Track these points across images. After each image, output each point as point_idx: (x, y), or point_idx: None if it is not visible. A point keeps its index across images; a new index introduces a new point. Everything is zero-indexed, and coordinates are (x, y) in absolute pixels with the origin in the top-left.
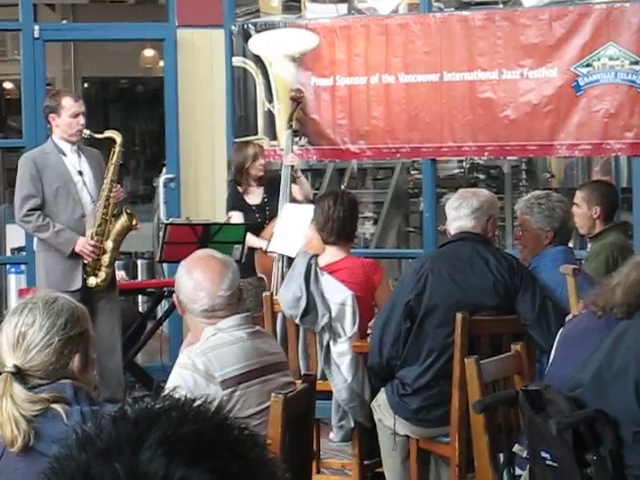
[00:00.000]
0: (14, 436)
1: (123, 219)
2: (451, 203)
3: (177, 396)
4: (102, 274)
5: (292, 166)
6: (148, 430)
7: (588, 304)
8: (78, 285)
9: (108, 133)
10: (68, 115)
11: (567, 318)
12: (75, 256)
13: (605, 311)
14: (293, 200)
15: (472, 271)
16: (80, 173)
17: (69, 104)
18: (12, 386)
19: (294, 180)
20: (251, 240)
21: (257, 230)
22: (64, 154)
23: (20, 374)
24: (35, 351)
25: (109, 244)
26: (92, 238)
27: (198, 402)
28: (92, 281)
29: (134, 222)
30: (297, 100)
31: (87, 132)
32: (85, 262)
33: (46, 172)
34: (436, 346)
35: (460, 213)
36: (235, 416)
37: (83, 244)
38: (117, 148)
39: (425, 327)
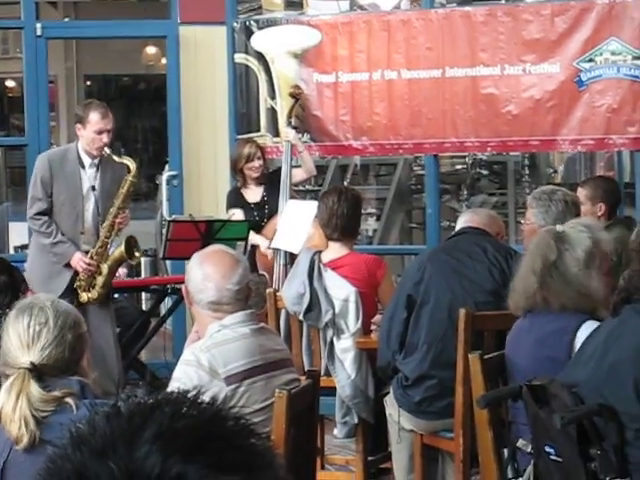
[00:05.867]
0: (20, 434)
1: (121, 248)
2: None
3: (170, 389)
4: (95, 293)
5: (291, 144)
6: (142, 426)
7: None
8: (60, 291)
9: (125, 160)
10: (92, 130)
11: None
12: (69, 265)
13: (514, 310)
14: (295, 193)
15: (470, 258)
16: (93, 188)
17: (95, 119)
18: (29, 384)
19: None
20: (251, 238)
21: (256, 228)
22: (83, 166)
23: (36, 371)
24: (51, 348)
25: (105, 268)
26: (92, 258)
27: (191, 394)
28: (84, 297)
29: (136, 254)
30: (296, 96)
31: (107, 151)
32: (81, 278)
33: (59, 180)
34: (432, 334)
35: (474, 213)
36: (239, 411)
37: (78, 260)
38: (130, 178)
39: (422, 315)
